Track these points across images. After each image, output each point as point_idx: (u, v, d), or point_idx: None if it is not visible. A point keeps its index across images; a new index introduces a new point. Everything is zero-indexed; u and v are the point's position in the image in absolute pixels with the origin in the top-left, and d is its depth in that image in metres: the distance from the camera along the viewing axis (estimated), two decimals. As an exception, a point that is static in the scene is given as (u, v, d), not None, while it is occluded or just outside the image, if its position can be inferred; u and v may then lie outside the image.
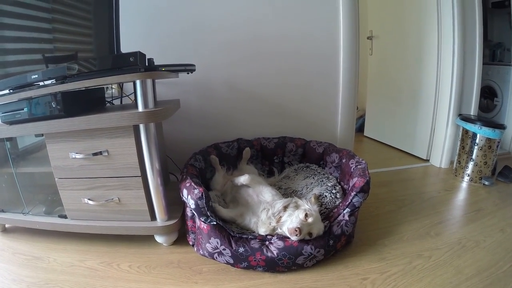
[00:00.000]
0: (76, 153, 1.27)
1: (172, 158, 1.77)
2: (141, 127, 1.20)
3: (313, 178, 1.54)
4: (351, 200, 1.24)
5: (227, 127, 1.93)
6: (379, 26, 2.86)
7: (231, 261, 1.19)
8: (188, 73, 1.48)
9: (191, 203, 1.20)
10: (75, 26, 1.35)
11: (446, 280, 1.12)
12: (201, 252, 1.27)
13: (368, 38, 2.96)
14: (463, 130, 1.97)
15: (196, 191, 1.19)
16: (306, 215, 1.17)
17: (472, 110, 2.14)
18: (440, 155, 2.21)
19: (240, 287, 1.14)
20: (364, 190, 1.24)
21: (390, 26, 2.72)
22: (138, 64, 1.17)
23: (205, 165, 1.56)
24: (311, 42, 1.86)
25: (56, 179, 1.35)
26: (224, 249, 1.18)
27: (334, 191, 1.39)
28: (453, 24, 1.98)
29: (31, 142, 1.58)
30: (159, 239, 1.36)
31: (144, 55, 1.23)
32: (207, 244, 1.21)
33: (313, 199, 1.28)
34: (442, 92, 2.15)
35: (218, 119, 1.92)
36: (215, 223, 1.19)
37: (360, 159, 1.43)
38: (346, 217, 1.24)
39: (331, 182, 1.46)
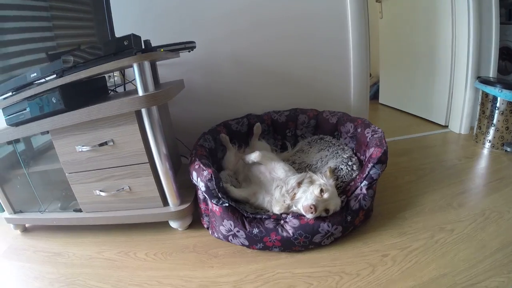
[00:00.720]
0: (83, 146, 1.25)
1: (182, 140, 1.73)
2: (143, 112, 1.16)
3: (328, 150, 1.48)
4: (368, 172, 1.17)
5: (235, 103, 1.85)
6: None
7: (246, 243, 1.16)
8: (189, 51, 1.41)
9: (201, 185, 1.16)
10: (67, 19, 1.30)
11: (470, 255, 1.04)
12: (216, 235, 1.24)
13: (377, 1, 2.79)
14: (482, 93, 1.84)
15: (205, 172, 1.15)
16: (321, 191, 1.11)
17: (491, 72, 1.98)
18: (459, 121, 2.09)
19: (256, 269, 1.11)
20: (382, 160, 1.17)
21: None
22: (133, 47, 1.11)
23: (215, 144, 1.52)
24: (317, 5, 1.74)
25: (66, 174, 1.34)
26: (238, 231, 1.15)
27: (350, 163, 1.32)
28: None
29: (43, 142, 1.57)
30: (173, 224, 1.34)
31: (139, 37, 1.17)
32: (221, 227, 1.18)
33: (328, 173, 1.22)
34: (458, 54, 1.99)
35: (225, 95, 1.84)
36: (227, 204, 1.16)
37: (376, 128, 1.35)
38: (364, 191, 1.18)
39: (346, 153, 1.39)
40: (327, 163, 1.39)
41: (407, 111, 2.71)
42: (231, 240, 1.19)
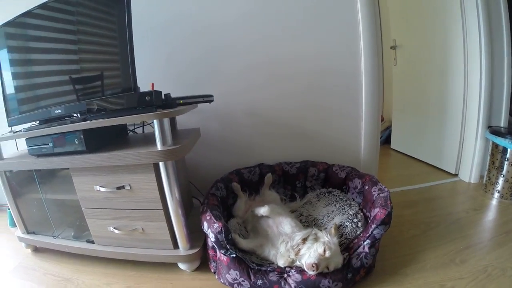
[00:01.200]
0: (101, 186, 1.34)
1: (194, 183, 1.81)
2: (161, 164, 1.24)
3: (335, 205, 1.52)
4: (372, 232, 1.22)
5: (248, 152, 1.93)
6: (402, 35, 2.73)
7: (250, 292, 1.22)
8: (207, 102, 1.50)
9: (211, 236, 1.23)
10: (95, 62, 1.40)
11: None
12: (222, 281, 1.30)
13: (391, 47, 2.85)
14: (492, 144, 1.87)
15: (216, 225, 1.21)
16: (324, 250, 1.16)
17: (502, 121, 2.01)
18: (469, 170, 2.11)
19: None
20: (385, 222, 1.21)
21: (413, 35, 2.58)
22: (154, 104, 1.20)
23: (227, 192, 1.59)
24: (330, 60, 1.80)
25: (83, 208, 1.43)
26: (243, 281, 1.21)
27: (355, 220, 1.36)
28: (479, 31, 1.87)
29: (63, 171, 1.66)
30: (182, 266, 1.40)
31: (160, 92, 1.26)
32: (227, 275, 1.24)
33: (333, 230, 1.27)
34: (470, 103, 2.04)
35: (239, 144, 1.93)
36: (234, 255, 1.22)
37: (383, 187, 1.40)
38: (366, 249, 1.22)
39: (352, 210, 1.44)
40: (333, 219, 1.43)
41: (418, 158, 2.73)
42: (236, 287, 1.25)
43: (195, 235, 1.43)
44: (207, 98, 1.41)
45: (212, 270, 1.37)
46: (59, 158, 1.35)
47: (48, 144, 1.36)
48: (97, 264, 1.54)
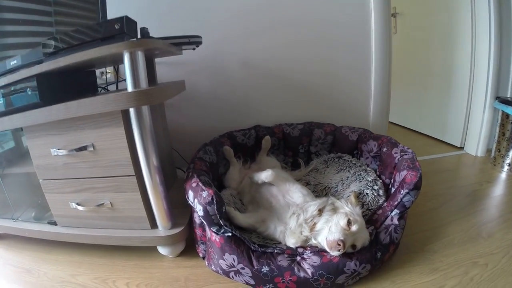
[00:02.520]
0: (58, 149, 0.89)
1: (179, 151, 1.35)
2: (132, 112, 0.80)
3: (349, 171, 1.13)
4: (401, 199, 0.84)
5: (243, 112, 1.44)
6: (403, 2, 2.27)
7: (252, 282, 0.80)
8: (194, 48, 1.07)
9: (198, 208, 0.81)
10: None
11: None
12: (214, 268, 0.88)
13: (392, 15, 2.27)
14: (502, 114, 1.53)
15: (204, 193, 0.80)
16: (349, 222, 0.78)
17: (509, 92, 1.64)
18: (476, 143, 1.73)
19: None
20: (418, 186, 0.84)
21: (415, 1, 2.16)
22: (126, 31, 0.77)
23: (217, 158, 1.15)
24: (338, 9, 1.40)
25: (40, 180, 0.97)
26: (242, 268, 0.79)
27: (375, 187, 0.99)
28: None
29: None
30: (162, 250, 0.97)
31: (135, 23, 0.83)
32: (221, 261, 0.83)
33: (353, 199, 0.89)
34: (477, 73, 1.67)
35: (232, 103, 1.44)
36: (230, 234, 0.81)
37: (405, 148, 1.02)
38: (396, 221, 0.85)
39: (370, 176, 1.06)
40: (349, 186, 1.04)
41: (419, 130, 2.27)
42: (232, 276, 0.83)
43: (179, 211, 1.00)
44: (194, 39, 1.00)
45: (201, 255, 0.95)
46: (10, 117, 0.89)
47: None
48: (62, 251, 1.08)
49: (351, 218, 0.79)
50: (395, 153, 1.03)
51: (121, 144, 0.84)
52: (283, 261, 0.78)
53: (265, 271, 0.77)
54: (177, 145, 1.34)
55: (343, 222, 0.78)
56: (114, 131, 0.84)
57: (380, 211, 0.90)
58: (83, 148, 0.87)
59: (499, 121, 1.54)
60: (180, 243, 0.96)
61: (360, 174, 1.07)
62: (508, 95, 1.58)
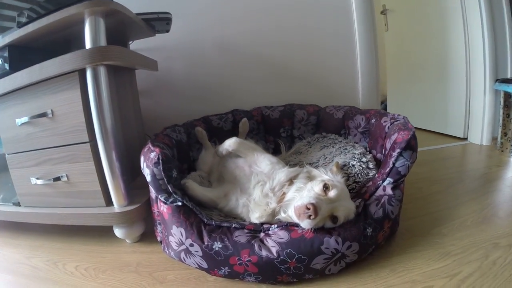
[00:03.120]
0: (22, 117, 0.72)
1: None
2: (88, 73, 0.63)
3: (333, 147, 0.85)
4: (393, 164, 0.57)
5: (221, 98, 1.16)
6: None
7: (204, 264, 0.54)
8: (167, 30, 0.88)
9: (146, 173, 0.58)
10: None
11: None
12: (168, 252, 0.62)
13: (381, 13, 2.01)
14: (505, 94, 1.20)
15: (152, 154, 0.58)
16: (325, 187, 0.52)
17: (509, 72, 1.33)
18: (480, 131, 1.38)
19: None
20: (412, 146, 0.58)
21: None
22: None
23: (189, 140, 0.91)
24: None
25: (6, 156, 0.80)
26: (191, 245, 0.53)
27: (364, 159, 0.71)
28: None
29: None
30: (119, 232, 0.72)
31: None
32: (170, 237, 0.57)
33: (334, 168, 0.62)
34: (473, 57, 1.37)
35: (209, 89, 1.17)
36: (180, 204, 0.57)
37: (396, 115, 0.75)
38: (389, 191, 0.57)
39: (358, 150, 0.78)
40: (332, 161, 0.76)
41: (419, 127, 1.86)
42: (183, 259, 0.57)
43: (141, 191, 0.75)
44: (163, 15, 0.81)
45: (158, 239, 0.69)
46: None
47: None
48: (26, 236, 0.87)
49: (328, 183, 0.52)
50: (385, 121, 0.75)
51: (77, 108, 0.67)
52: (241, 236, 0.52)
53: (217, 249, 0.51)
54: (152, 132, 1.10)
55: (318, 187, 0.52)
56: (71, 94, 0.67)
57: (370, 183, 0.63)
58: (43, 115, 0.70)
59: (502, 103, 1.20)
60: (137, 225, 0.72)
61: (346, 149, 0.80)
62: (509, 76, 1.26)
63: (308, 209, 0.46)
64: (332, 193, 0.51)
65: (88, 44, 0.64)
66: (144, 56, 0.85)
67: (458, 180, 0.96)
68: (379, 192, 0.58)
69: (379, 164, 0.73)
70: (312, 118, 1.01)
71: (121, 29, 0.79)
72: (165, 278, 0.59)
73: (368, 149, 0.83)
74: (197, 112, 1.01)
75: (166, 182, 0.56)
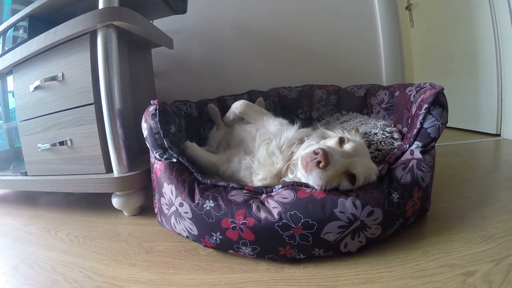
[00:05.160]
0: (34, 82, 0.69)
1: None
2: (99, 34, 0.59)
3: (353, 120, 0.72)
4: (421, 123, 0.45)
5: (238, 81, 1.05)
6: None
7: (194, 229, 0.42)
8: (184, 10, 0.83)
9: (144, 128, 0.50)
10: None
11: None
12: (161, 220, 0.51)
13: (406, 8, 1.80)
14: None
15: (151, 107, 0.50)
16: (341, 141, 0.41)
17: None
18: None
19: (201, 283, 0.38)
20: (441, 103, 0.45)
21: None
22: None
23: (201, 118, 0.80)
24: None
25: (18, 123, 0.76)
26: (181, 204, 0.42)
27: (388, 129, 0.58)
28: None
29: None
30: (117, 203, 0.63)
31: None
32: (162, 200, 0.47)
33: (353, 132, 0.50)
34: (504, 50, 1.14)
35: (226, 71, 1.08)
36: (175, 160, 0.48)
37: (422, 83, 0.61)
38: (418, 155, 0.44)
39: (381, 121, 0.65)
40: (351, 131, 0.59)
41: (448, 125, 1.52)
42: (174, 225, 0.45)
43: (143, 159, 0.67)
44: None
45: (155, 210, 0.57)
46: (1, 59, 0.74)
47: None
48: (28, 206, 0.83)
49: (344, 137, 0.41)
50: (409, 91, 0.62)
51: (85, 69, 0.62)
52: (237, 196, 0.41)
53: (208, 208, 0.40)
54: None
55: (332, 141, 0.41)
56: (81, 55, 0.62)
57: (395, 150, 0.49)
58: (54, 78, 0.66)
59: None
60: (136, 195, 0.62)
61: (367, 121, 0.66)
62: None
63: (317, 154, 0.35)
64: (348, 146, 0.39)
65: (100, 6, 0.59)
66: (158, 29, 0.81)
67: (494, 168, 0.77)
68: (406, 156, 0.44)
69: (404, 137, 0.58)
70: (332, 98, 0.87)
71: (137, 5, 0.76)
72: (153, 249, 0.48)
73: (392, 125, 0.67)
74: (213, 93, 0.92)
75: (162, 135, 0.47)
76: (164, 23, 0.89)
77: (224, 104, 0.87)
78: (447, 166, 0.78)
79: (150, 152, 0.53)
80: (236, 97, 0.89)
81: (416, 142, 0.45)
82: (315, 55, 1.07)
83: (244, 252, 0.41)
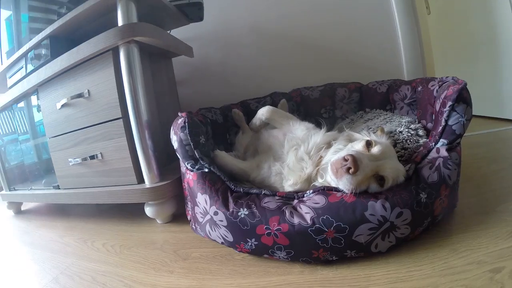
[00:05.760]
0: (61, 100, 0.74)
1: None
2: (121, 50, 0.62)
3: (377, 118, 0.73)
4: (446, 121, 0.45)
5: (259, 84, 1.06)
6: None
7: (230, 237, 0.45)
8: (200, 18, 0.85)
9: (174, 140, 0.53)
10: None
11: None
12: (195, 228, 0.54)
13: None
14: None
15: (179, 120, 0.53)
16: (368, 144, 0.42)
17: None
18: None
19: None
20: (465, 99, 0.45)
21: None
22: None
23: (226, 123, 0.83)
24: None
25: (48, 140, 0.82)
26: (216, 213, 0.45)
27: (412, 126, 0.59)
28: None
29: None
30: (149, 212, 0.67)
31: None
32: (196, 209, 0.50)
33: (379, 132, 0.51)
34: None
35: (246, 74, 1.09)
36: (207, 170, 0.50)
37: (444, 77, 0.61)
38: (444, 152, 0.44)
39: (405, 118, 0.65)
40: (376, 130, 0.59)
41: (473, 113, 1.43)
42: (209, 233, 0.48)
43: (176, 171, 0.68)
44: (193, 0, 0.80)
45: (188, 217, 0.61)
46: (28, 79, 0.79)
47: (22, 67, 0.82)
48: (62, 217, 0.90)
49: (371, 140, 0.42)
50: (432, 85, 0.62)
51: (111, 85, 0.65)
52: (270, 203, 0.43)
53: (242, 216, 0.42)
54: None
55: (359, 145, 0.42)
56: (106, 72, 0.66)
57: (421, 148, 0.50)
58: (80, 95, 0.70)
59: None
60: (168, 203, 0.66)
61: (391, 119, 0.67)
62: None
63: (346, 160, 0.37)
64: (375, 149, 0.40)
65: (120, 23, 0.62)
66: (177, 39, 0.84)
67: (521, 159, 0.76)
68: (432, 154, 0.45)
69: (428, 133, 0.59)
70: (355, 95, 0.87)
71: (154, 17, 0.78)
72: (189, 256, 0.51)
73: (417, 121, 0.68)
74: (236, 98, 0.94)
75: (192, 147, 0.50)
76: (183, 31, 0.92)
77: (247, 108, 0.90)
78: (472, 158, 0.78)
79: (181, 162, 0.56)
80: (258, 100, 0.92)
81: (441, 140, 0.46)
82: (334, 52, 1.07)
83: (279, 256, 0.43)
